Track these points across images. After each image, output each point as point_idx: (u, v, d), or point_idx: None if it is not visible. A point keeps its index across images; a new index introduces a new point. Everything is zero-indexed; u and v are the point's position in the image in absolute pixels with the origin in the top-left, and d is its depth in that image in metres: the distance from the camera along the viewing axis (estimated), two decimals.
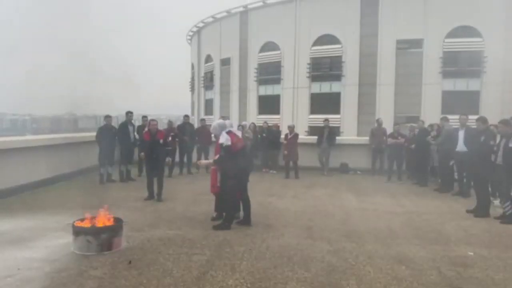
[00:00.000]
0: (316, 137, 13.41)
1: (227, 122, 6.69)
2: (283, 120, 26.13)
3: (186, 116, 13.50)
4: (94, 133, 11.00)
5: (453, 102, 22.57)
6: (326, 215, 7.40)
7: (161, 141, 8.90)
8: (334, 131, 13.89)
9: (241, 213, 6.68)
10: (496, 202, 7.76)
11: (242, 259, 4.93)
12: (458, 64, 23.77)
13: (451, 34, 23.56)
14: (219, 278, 4.35)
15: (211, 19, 34.68)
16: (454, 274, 4.56)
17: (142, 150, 9.26)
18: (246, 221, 6.55)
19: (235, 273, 4.48)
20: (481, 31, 23.03)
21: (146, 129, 9.52)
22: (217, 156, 6.53)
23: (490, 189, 7.95)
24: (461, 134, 9.23)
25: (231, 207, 6.44)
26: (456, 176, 9.97)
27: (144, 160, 9.35)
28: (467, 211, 7.76)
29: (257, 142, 13.45)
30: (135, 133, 11.40)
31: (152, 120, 9.29)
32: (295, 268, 4.67)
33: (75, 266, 4.64)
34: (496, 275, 4.56)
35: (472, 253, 5.31)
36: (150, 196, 8.71)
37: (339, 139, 14.04)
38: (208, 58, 35.70)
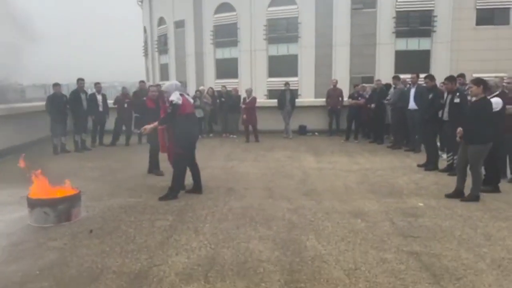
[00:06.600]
0: (275, 100, 13.41)
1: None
2: (241, 84, 25.93)
3: (142, 82, 12.94)
4: (44, 103, 10.50)
5: (405, 61, 23.28)
6: (285, 176, 7.58)
7: None
8: (294, 94, 13.99)
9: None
10: (444, 156, 8.21)
11: (205, 222, 5.00)
12: (410, 23, 24.33)
13: None
14: (183, 241, 4.40)
15: None
16: (406, 224, 4.86)
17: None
18: (197, 189, 6.35)
19: (199, 236, 4.55)
20: None
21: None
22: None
23: (439, 144, 8.40)
24: (412, 93, 9.58)
25: (178, 176, 6.13)
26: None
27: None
28: (418, 166, 8.19)
29: (216, 107, 13.34)
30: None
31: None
32: (257, 227, 4.81)
33: (33, 238, 4.53)
34: (443, 222, 4.91)
35: (422, 204, 5.66)
36: None
37: (297, 101, 14.17)
38: (161, 21, 34.29)
